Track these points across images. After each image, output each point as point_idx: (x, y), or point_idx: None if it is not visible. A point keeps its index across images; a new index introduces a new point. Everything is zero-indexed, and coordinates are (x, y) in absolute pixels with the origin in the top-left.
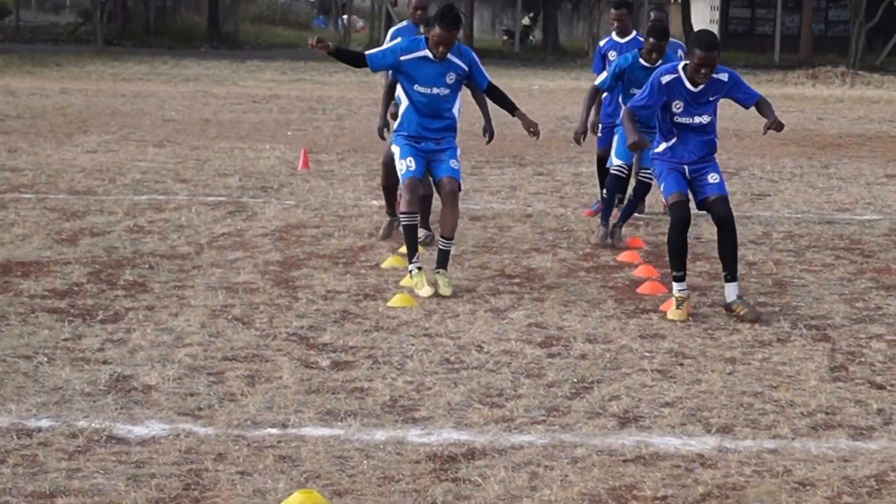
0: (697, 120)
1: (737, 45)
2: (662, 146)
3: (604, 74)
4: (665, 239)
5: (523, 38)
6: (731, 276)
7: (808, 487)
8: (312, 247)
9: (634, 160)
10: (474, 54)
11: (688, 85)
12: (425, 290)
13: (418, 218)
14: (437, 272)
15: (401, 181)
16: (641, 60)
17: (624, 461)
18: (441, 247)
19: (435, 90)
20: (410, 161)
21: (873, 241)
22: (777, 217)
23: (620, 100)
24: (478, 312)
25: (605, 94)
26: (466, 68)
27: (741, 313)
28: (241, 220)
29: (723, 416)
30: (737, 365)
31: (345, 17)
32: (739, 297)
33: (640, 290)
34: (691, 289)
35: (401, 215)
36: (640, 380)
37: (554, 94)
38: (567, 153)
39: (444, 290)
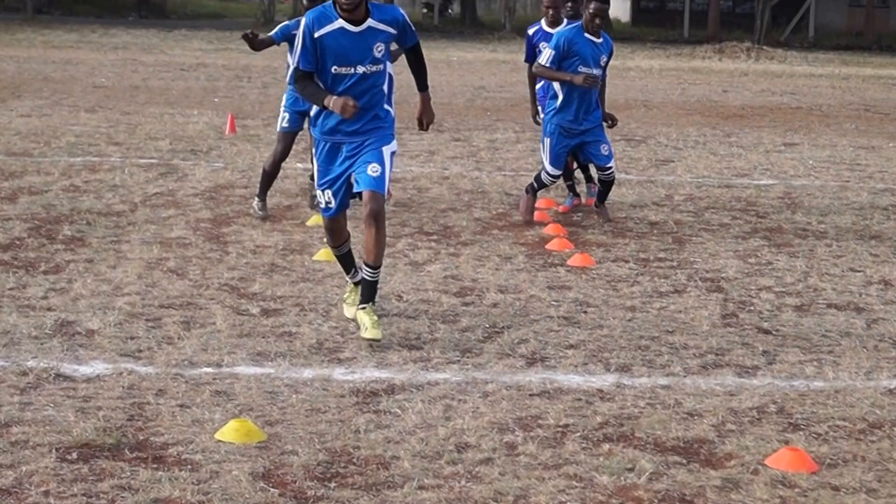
0: None
1: (648, 21)
2: None
3: (549, 51)
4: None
5: (442, 11)
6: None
7: (695, 417)
8: (241, 206)
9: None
10: (401, 11)
11: None
12: (371, 332)
13: (348, 245)
14: (363, 309)
15: (321, 214)
16: (586, 34)
17: (530, 395)
18: (365, 276)
19: (361, 69)
20: (329, 196)
21: (768, 203)
22: (679, 181)
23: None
24: (398, 266)
25: None
26: (394, 31)
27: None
28: (172, 180)
29: (622, 357)
30: (636, 313)
31: None
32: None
33: (548, 246)
34: (596, 245)
35: (331, 248)
36: (547, 325)
37: (472, 66)
38: (483, 121)
39: (373, 332)
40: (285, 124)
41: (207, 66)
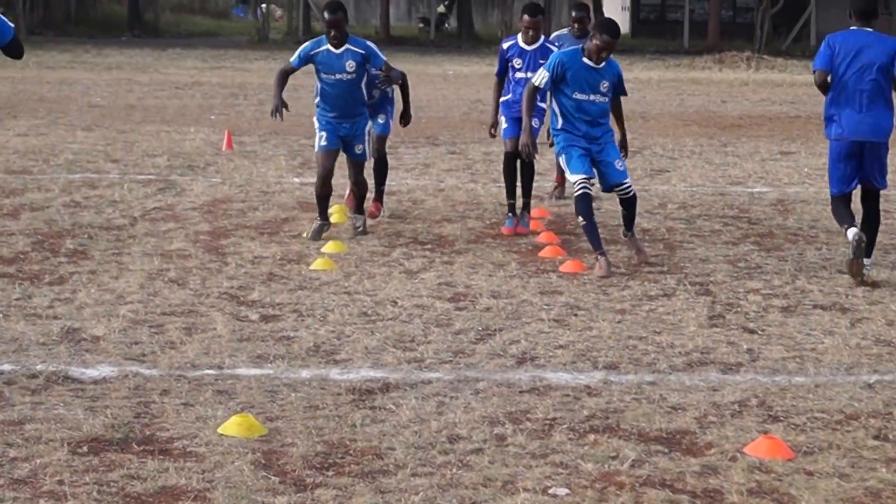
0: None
1: (648, 31)
2: None
3: (543, 73)
4: (570, 209)
5: (438, 26)
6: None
7: (679, 410)
8: (239, 219)
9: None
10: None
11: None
12: None
13: None
14: None
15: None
16: (585, 59)
17: (520, 392)
18: None
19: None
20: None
21: (761, 210)
22: (673, 190)
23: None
24: (393, 274)
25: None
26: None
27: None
28: (170, 195)
29: (609, 356)
30: (625, 315)
31: (263, 5)
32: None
33: (541, 253)
34: (588, 252)
35: None
36: (538, 328)
37: (468, 80)
38: (479, 134)
39: None
40: (323, 143)
41: (202, 84)
